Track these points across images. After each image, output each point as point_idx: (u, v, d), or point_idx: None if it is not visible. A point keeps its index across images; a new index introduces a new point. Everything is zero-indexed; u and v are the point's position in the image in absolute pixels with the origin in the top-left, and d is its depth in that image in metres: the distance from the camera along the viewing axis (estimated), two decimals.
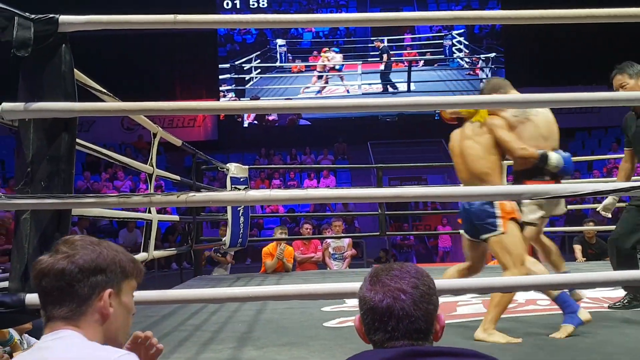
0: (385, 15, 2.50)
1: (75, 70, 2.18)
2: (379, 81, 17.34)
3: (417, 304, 1.23)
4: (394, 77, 17.44)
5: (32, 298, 1.97)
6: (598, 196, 2.79)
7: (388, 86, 17.23)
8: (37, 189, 2.05)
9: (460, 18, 2.97)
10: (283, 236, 6.54)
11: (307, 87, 17.11)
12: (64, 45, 2.10)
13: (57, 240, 2.04)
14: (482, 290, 2.76)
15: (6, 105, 2.05)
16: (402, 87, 17.20)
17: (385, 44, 17.29)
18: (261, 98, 16.62)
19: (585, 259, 7.09)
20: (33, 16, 2.06)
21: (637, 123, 3.77)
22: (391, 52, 17.46)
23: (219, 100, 16.34)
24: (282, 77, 17.36)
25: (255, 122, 17.39)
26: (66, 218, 2.10)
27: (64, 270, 1.24)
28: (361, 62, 17.34)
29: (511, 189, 2.56)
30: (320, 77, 17.21)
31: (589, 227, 7.26)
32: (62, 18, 2.09)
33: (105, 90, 2.67)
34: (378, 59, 17.35)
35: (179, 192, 2.10)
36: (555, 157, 3.17)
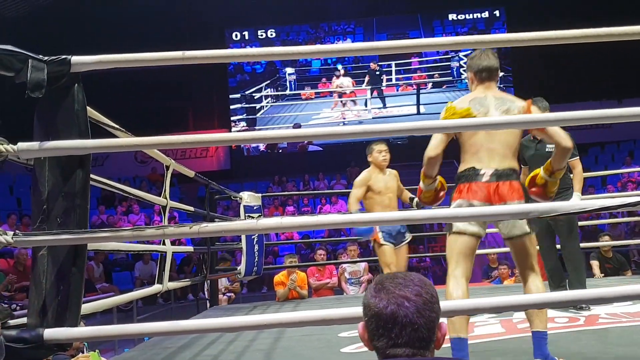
0: (391, 44, 2.54)
1: (88, 107, 2.23)
2: (385, 104, 17.40)
3: (420, 311, 1.26)
4: (403, 100, 17.50)
5: (50, 333, 2.00)
6: (610, 211, 2.77)
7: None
8: (54, 225, 2.08)
9: (464, 43, 3.01)
10: (294, 264, 6.55)
11: (322, 113, 17.23)
12: (76, 84, 2.15)
13: (73, 275, 2.09)
14: (496, 310, 2.75)
15: (22, 144, 2.10)
16: (412, 110, 17.26)
17: (393, 67, 17.40)
18: (271, 126, 16.76)
19: (603, 274, 7.02)
20: (46, 58, 2.10)
21: (536, 147, 4.33)
22: (400, 76, 17.56)
23: (230, 130, 16.49)
24: (292, 104, 17.50)
25: (268, 150, 17.51)
26: (82, 253, 2.14)
27: None
28: (370, 87, 17.45)
29: (519, 207, 2.56)
30: (340, 103, 17.34)
31: (605, 243, 7.20)
32: (74, 59, 2.14)
33: (117, 126, 2.72)
34: (386, 82, 17.44)
35: (192, 224, 2.13)
36: None
